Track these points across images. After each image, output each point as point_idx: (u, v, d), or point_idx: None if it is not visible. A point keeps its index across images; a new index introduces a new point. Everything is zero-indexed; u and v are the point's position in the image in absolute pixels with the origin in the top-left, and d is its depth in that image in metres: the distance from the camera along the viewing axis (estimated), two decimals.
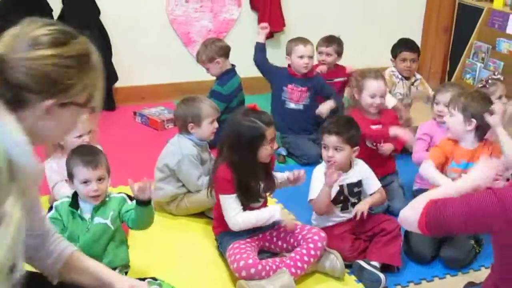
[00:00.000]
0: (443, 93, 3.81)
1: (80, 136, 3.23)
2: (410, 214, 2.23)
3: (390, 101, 4.42)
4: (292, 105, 4.49)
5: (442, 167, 3.31)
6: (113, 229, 2.80)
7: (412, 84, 4.70)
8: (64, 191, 3.06)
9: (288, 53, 4.47)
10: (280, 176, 3.29)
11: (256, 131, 2.98)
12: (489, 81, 4.00)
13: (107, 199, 2.82)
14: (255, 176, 3.07)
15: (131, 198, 2.85)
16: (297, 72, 4.43)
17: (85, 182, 2.73)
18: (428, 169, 3.27)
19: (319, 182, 3.19)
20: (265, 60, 4.55)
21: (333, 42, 4.84)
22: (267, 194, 3.23)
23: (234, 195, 3.04)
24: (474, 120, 3.25)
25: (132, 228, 2.86)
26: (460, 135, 3.33)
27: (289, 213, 3.61)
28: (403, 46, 4.72)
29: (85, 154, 2.79)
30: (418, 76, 4.83)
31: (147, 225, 2.86)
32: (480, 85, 4.03)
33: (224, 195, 3.05)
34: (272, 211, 3.09)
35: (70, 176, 2.79)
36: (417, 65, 4.76)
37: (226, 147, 3.06)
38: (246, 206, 3.08)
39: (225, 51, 4.48)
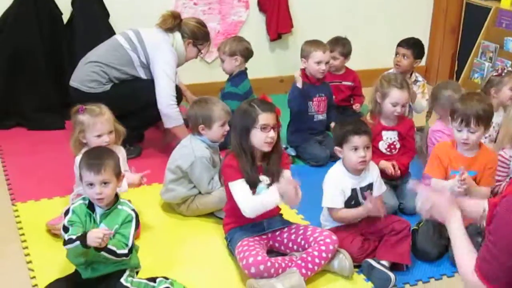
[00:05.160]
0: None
1: (99, 136, 3.30)
2: (464, 272, 2.23)
3: (422, 103, 4.54)
4: (320, 117, 4.45)
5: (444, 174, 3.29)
6: None
7: (414, 83, 4.69)
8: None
9: (304, 57, 4.39)
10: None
11: (248, 113, 3.05)
12: (506, 70, 4.01)
13: (119, 206, 2.80)
14: (252, 160, 3.07)
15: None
16: (313, 76, 4.40)
17: (89, 184, 2.74)
18: (437, 185, 3.24)
19: (335, 189, 3.21)
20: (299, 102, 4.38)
21: (337, 45, 4.86)
22: None
23: (241, 180, 3.06)
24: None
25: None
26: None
27: (297, 213, 3.64)
28: (401, 41, 4.76)
29: (92, 157, 2.79)
30: (421, 78, 4.82)
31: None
32: (495, 73, 4.02)
33: (231, 182, 3.08)
34: (274, 196, 3.02)
35: (80, 178, 2.81)
36: (409, 62, 4.68)
37: (231, 131, 3.16)
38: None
39: (247, 54, 4.57)
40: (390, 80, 3.81)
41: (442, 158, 3.27)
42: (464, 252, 2.28)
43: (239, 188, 3.06)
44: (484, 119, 3.20)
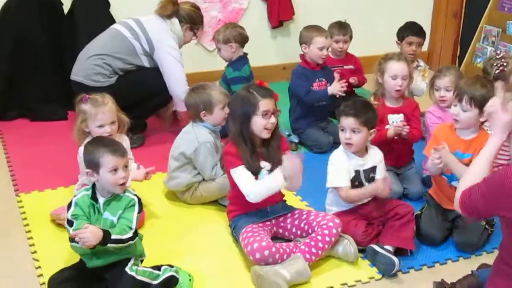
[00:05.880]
0: (441, 78, 3.84)
1: (101, 126, 3.31)
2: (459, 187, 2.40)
3: (421, 86, 4.50)
4: (321, 103, 4.41)
5: None
6: None
7: (416, 68, 4.69)
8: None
9: (305, 43, 4.37)
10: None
11: (247, 100, 3.05)
12: (505, 63, 3.98)
13: (121, 194, 2.81)
14: (252, 148, 3.08)
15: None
16: (313, 62, 4.39)
17: (114, 170, 2.74)
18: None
19: (339, 168, 3.22)
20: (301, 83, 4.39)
21: (347, 29, 4.88)
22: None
23: (242, 166, 3.06)
24: None
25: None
26: (469, 128, 3.26)
27: (301, 200, 3.64)
28: (409, 30, 4.74)
29: (109, 144, 2.83)
30: (422, 63, 4.81)
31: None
32: (497, 71, 3.97)
33: (232, 169, 3.09)
34: (278, 179, 3.03)
35: (96, 167, 2.77)
36: (421, 49, 4.73)
37: (229, 119, 3.17)
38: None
39: (242, 39, 4.60)
40: (387, 55, 3.84)
41: (440, 140, 3.26)
42: (472, 174, 2.41)
43: (240, 174, 3.07)
44: (478, 103, 3.16)
